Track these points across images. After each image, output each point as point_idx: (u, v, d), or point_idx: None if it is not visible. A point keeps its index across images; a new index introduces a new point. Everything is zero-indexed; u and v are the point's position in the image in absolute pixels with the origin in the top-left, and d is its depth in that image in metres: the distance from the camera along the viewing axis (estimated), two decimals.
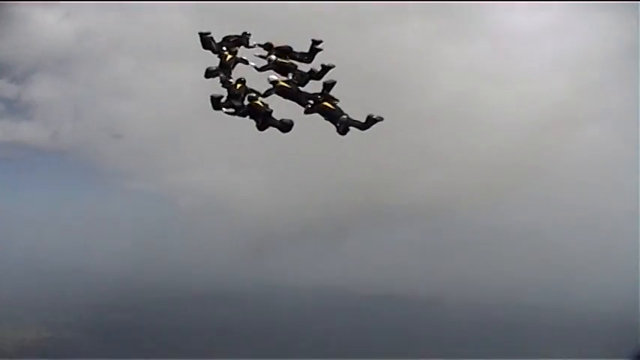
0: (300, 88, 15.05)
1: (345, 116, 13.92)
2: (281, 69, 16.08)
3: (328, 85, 14.52)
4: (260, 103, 14.38)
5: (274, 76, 15.06)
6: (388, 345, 55.37)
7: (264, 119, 14.11)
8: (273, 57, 16.22)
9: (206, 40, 17.17)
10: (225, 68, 16.41)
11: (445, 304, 66.49)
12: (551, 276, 73.30)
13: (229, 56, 16.75)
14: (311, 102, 14.24)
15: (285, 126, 14.04)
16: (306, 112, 14.28)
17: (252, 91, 15.13)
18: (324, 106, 14.10)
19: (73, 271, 62.86)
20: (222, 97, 14.72)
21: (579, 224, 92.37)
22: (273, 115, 14.52)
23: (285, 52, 17.27)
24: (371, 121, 13.85)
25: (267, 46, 17.27)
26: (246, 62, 16.65)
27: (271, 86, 14.96)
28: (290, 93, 15.02)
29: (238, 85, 15.25)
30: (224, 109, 14.78)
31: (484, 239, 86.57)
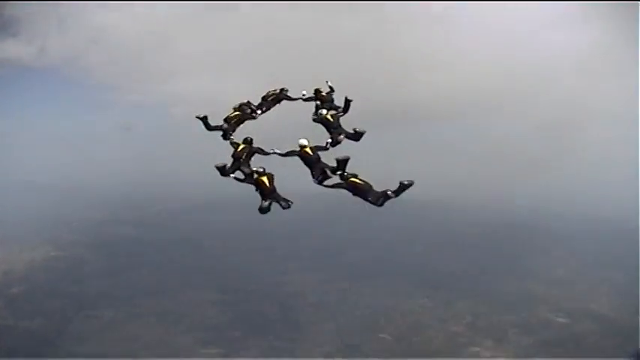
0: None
1: (377, 192, 13.67)
2: (325, 124, 16.09)
3: (342, 162, 14.16)
4: (266, 181, 14.07)
5: (304, 141, 14.73)
6: (387, 249, 56.51)
7: (269, 203, 13.93)
8: (324, 111, 16.13)
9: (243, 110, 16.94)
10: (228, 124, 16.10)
11: (446, 207, 66.48)
12: (553, 181, 71.97)
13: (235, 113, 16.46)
14: (322, 176, 14.10)
15: (287, 205, 13.93)
16: (332, 187, 14.12)
17: (260, 150, 15.03)
18: (352, 182, 13.75)
19: (72, 188, 63.74)
20: (225, 165, 14.45)
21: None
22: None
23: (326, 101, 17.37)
24: (402, 187, 13.60)
25: (315, 92, 17.45)
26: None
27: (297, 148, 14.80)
28: (309, 160, 14.75)
29: (241, 147, 15.00)
30: (232, 175, 14.67)
31: (484, 143, 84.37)
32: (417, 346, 33.22)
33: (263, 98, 19.31)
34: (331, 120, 16.96)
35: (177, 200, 65.72)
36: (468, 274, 47.72)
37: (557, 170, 72.28)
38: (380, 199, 13.66)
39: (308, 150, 15.40)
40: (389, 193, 13.81)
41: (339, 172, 14.16)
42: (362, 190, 13.63)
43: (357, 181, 13.68)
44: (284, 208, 14.71)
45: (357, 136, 16.93)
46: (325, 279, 44.55)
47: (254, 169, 15.17)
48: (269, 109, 19.51)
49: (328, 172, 14.74)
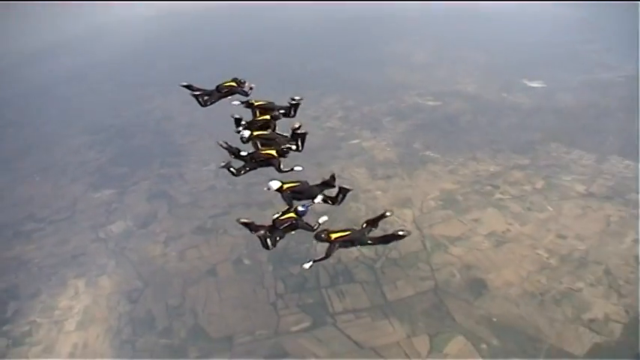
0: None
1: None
2: (266, 141, 15.02)
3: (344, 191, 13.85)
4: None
5: (277, 183, 13.64)
6: (244, 54, 56.12)
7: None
8: (245, 133, 14.77)
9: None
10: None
11: (293, 6, 64.52)
12: None
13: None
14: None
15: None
16: (327, 256, 12.82)
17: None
18: (337, 238, 12.61)
19: None
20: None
21: None
22: None
23: (267, 109, 16.17)
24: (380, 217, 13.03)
25: (249, 105, 16.11)
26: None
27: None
28: (301, 194, 13.84)
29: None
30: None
31: None
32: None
33: (217, 88, 17.77)
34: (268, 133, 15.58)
35: (15, 52, 62.51)
36: (328, 70, 49.40)
37: None
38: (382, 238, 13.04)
39: (288, 185, 14.10)
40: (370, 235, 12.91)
41: (316, 234, 12.92)
42: (355, 240, 12.77)
43: (341, 234, 12.61)
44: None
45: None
46: (190, 98, 43.01)
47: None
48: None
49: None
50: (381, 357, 17.22)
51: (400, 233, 12.90)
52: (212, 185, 30.86)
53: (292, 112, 17.22)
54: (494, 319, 18.31)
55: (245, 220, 13.74)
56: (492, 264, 21.38)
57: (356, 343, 18.00)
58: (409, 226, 24.04)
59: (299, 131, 15.49)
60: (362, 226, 13.28)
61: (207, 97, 17.57)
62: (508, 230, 23.82)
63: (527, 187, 27.20)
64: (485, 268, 21.18)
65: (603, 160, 29.49)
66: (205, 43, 62.19)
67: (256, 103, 16.82)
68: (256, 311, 20.45)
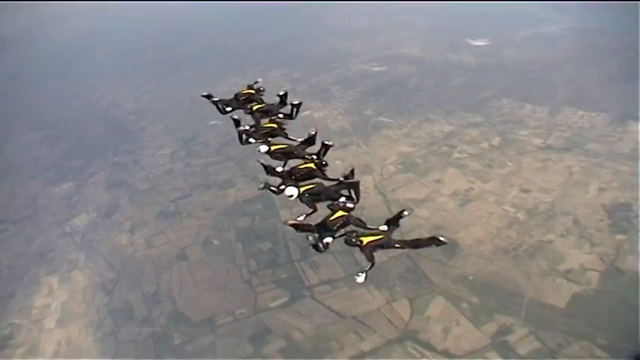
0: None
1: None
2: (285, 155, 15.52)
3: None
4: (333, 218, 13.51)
5: (294, 190, 13.89)
6: (184, 41, 56.29)
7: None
8: (263, 148, 15.63)
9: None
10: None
11: None
12: None
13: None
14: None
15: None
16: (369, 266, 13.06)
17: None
18: (369, 243, 12.58)
19: None
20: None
21: None
22: None
23: (266, 112, 17.14)
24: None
25: (249, 111, 17.02)
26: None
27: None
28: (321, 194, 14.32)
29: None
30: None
31: None
32: None
33: (235, 96, 18.68)
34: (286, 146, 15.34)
35: None
36: (269, 45, 49.13)
37: None
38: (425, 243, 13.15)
39: (306, 188, 13.54)
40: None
41: (346, 239, 12.41)
42: (385, 244, 12.73)
43: (372, 238, 12.44)
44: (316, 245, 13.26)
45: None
46: (135, 84, 44.07)
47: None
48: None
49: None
50: (365, 325, 17.43)
51: (441, 239, 12.87)
52: (169, 169, 30.38)
53: (294, 114, 17.71)
54: (471, 278, 18.60)
55: (293, 222, 13.68)
56: (460, 223, 21.73)
57: (337, 313, 18.10)
58: (372, 192, 24.21)
59: (327, 143, 16.10)
60: (387, 227, 13.44)
61: (226, 104, 18.09)
62: (471, 188, 24.18)
63: (484, 145, 27.59)
64: (453, 227, 21.48)
65: (556, 113, 30.16)
66: (142, 28, 60.79)
67: (255, 107, 17.24)
68: (232, 291, 20.38)
